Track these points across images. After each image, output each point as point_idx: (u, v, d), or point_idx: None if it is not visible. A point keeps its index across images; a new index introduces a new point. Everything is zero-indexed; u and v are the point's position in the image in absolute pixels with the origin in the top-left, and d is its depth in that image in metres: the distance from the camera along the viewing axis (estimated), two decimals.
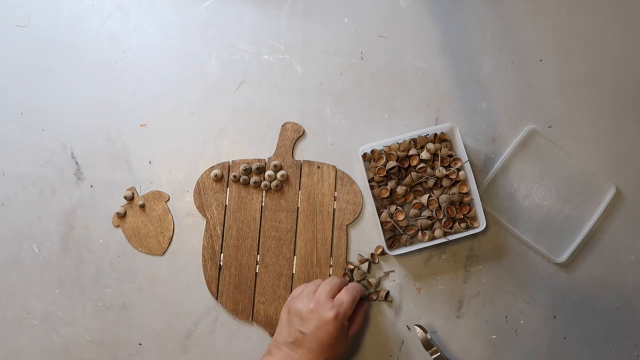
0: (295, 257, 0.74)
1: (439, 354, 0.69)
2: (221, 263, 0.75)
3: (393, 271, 0.74)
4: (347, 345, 0.67)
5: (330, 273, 0.74)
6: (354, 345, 0.72)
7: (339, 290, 0.67)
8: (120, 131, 0.78)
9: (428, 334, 0.70)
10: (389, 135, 0.77)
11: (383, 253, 0.74)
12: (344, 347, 0.66)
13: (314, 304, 0.65)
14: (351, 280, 0.74)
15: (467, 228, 0.72)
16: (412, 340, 0.73)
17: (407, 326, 0.73)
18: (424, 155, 0.73)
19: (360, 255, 0.74)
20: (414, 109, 0.78)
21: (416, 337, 0.72)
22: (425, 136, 0.74)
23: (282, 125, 0.78)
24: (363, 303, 0.72)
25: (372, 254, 0.74)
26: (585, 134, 0.76)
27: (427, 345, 0.69)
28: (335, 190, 0.76)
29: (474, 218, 0.73)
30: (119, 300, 0.75)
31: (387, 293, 0.73)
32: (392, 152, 0.74)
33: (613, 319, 0.73)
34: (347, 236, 0.75)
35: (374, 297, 0.73)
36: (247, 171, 0.76)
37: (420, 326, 0.70)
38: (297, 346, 0.65)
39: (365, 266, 0.73)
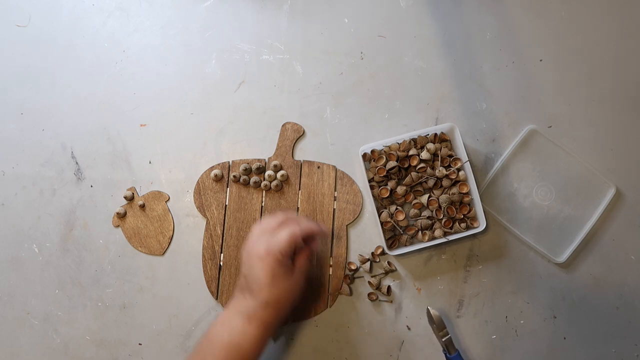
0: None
1: (449, 336, 0.69)
2: (221, 263, 0.75)
3: (394, 270, 0.74)
4: (292, 286, 0.63)
5: (330, 273, 0.74)
6: (354, 342, 0.72)
7: (282, 225, 0.63)
8: (120, 131, 0.78)
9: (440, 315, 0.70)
10: (389, 135, 0.77)
11: (383, 253, 0.73)
12: (287, 287, 0.62)
13: (249, 244, 0.63)
14: (352, 280, 0.74)
15: (467, 228, 0.72)
16: (412, 340, 0.73)
17: (407, 326, 0.73)
18: (424, 155, 0.73)
19: (361, 255, 0.74)
20: (414, 109, 0.78)
21: (416, 336, 0.72)
22: (425, 136, 0.74)
23: (282, 125, 0.78)
24: (313, 241, 0.67)
25: (372, 254, 0.74)
26: (585, 134, 0.76)
27: (440, 325, 0.69)
28: (335, 190, 0.76)
29: (474, 218, 0.73)
30: (119, 300, 0.75)
31: (389, 288, 0.73)
32: (392, 152, 0.74)
33: (613, 319, 0.73)
34: (347, 236, 0.75)
35: (374, 297, 0.73)
36: (247, 171, 0.76)
37: (433, 309, 0.70)
38: (244, 290, 0.63)
39: (367, 266, 0.73)
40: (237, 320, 0.61)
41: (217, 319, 0.64)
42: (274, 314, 0.62)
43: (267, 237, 0.62)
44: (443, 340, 0.69)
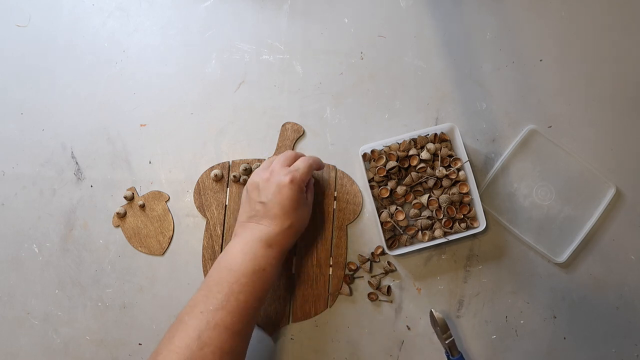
0: (295, 257, 0.74)
1: (452, 338, 0.68)
2: None
3: (394, 270, 0.74)
4: (308, 212, 0.69)
5: (330, 273, 0.74)
6: (354, 342, 0.72)
7: (295, 161, 0.69)
8: (120, 131, 0.78)
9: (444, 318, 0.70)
10: (389, 135, 0.77)
11: (383, 253, 0.73)
12: (305, 212, 0.68)
13: (269, 173, 0.67)
14: (352, 280, 0.73)
15: (467, 228, 0.72)
16: (412, 340, 0.73)
17: (407, 326, 0.73)
18: (424, 155, 0.73)
19: (361, 255, 0.74)
20: (414, 109, 0.78)
21: (416, 336, 0.72)
22: (425, 136, 0.74)
23: (282, 125, 0.78)
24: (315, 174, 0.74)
25: (372, 253, 0.74)
26: (585, 134, 0.76)
27: (444, 328, 0.69)
28: (335, 190, 0.76)
29: (474, 218, 0.73)
30: (119, 300, 0.75)
31: (389, 288, 0.73)
32: (392, 152, 0.74)
33: (613, 319, 0.73)
34: (347, 236, 0.75)
35: (374, 298, 0.73)
36: (247, 171, 0.76)
37: (437, 311, 0.70)
38: (261, 217, 0.65)
39: (367, 266, 0.73)
40: (257, 246, 0.64)
41: (230, 249, 0.65)
42: (292, 238, 0.67)
43: (286, 168, 0.67)
44: (446, 342, 0.68)
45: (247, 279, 0.62)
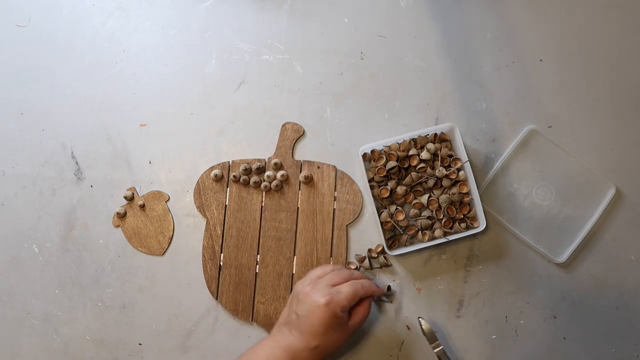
0: (295, 257, 0.74)
1: (441, 347, 0.69)
2: (221, 263, 0.75)
3: (390, 265, 0.74)
4: (344, 337, 0.65)
5: None
6: (354, 342, 0.72)
7: (346, 280, 0.66)
8: (120, 131, 0.78)
9: (430, 327, 0.70)
10: (389, 135, 0.77)
11: (383, 252, 0.73)
12: (340, 338, 0.65)
13: (311, 287, 0.65)
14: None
15: (467, 228, 0.72)
16: (412, 340, 0.73)
17: (407, 326, 0.73)
18: (424, 155, 0.73)
19: (357, 255, 0.74)
20: (414, 109, 0.78)
21: (416, 336, 0.72)
22: (425, 136, 0.74)
23: (282, 125, 0.78)
24: (367, 300, 0.70)
25: (369, 249, 0.74)
26: (585, 134, 0.76)
27: (432, 338, 0.69)
28: (335, 190, 0.76)
29: (474, 218, 0.73)
30: (119, 300, 0.75)
31: (389, 288, 0.73)
32: (392, 152, 0.74)
33: (613, 319, 0.73)
34: (347, 236, 0.75)
35: (375, 297, 0.73)
36: (247, 171, 0.76)
37: (424, 320, 0.70)
38: (293, 328, 0.64)
39: (366, 263, 0.73)
40: (281, 356, 0.63)
41: (258, 348, 0.65)
42: (317, 358, 0.64)
43: (329, 288, 0.64)
44: (435, 352, 0.69)
45: None
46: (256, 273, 0.74)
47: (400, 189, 0.73)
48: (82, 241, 0.76)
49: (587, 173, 0.75)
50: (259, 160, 0.76)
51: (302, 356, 0.63)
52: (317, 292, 0.64)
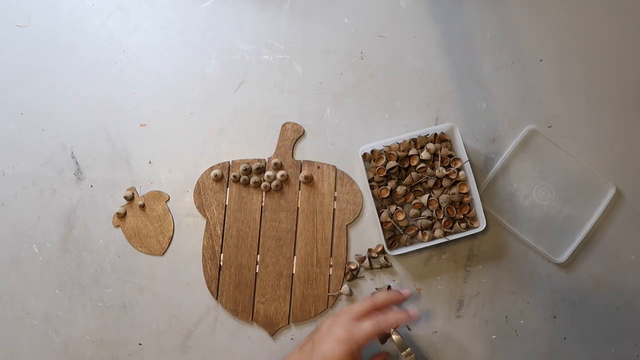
0: (295, 257, 0.74)
1: (413, 355, 0.67)
2: (221, 263, 0.75)
3: (390, 265, 0.74)
4: None
5: (330, 273, 0.74)
6: None
7: (367, 311, 0.65)
8: (120, 131, 0.78)
9: (401, 337, 0.68)
10: (389, 135, 0.77)
11: (382, 252, 0.73)
12: None
13: (334, 320, 0.64)
14: (352, 280, 0.73)
15: (467, 228, 0.72)
16: (412, 340, 0.73)
17: (408, 327, 0.73)
18: (424, 155, 0.73)
19: (357, 254, 0.74)
20: (414, 109, 0.78)
21: (416, 337, 0.72)
22: (425, 136, 0.74)
23: (282, 125, 0.78)
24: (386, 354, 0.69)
25: (369, 249, 0.74)
26: (585, 134, 0.76)
27: (402, 347, 0.67)
28: (335, 190, 0.76)
29: (474, 218, 0.73)
30: (119, 300, 0.75)
31: (389, 288, 0.73)
32: (392, 152, 0.74)
33: (613, 319, 0.73)
34: (347, 236, 0.75)
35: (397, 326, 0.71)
36: (247, 171, 0.76)
37: (395, 330, 0.68)
38: (308, 354, 0.64)
39: (367, 264, 0.73)
40: None
41: None
42: None
43: (351, 322, 0.63)
44: None
45: None
46: (256, 273, 0.74)
47: (400, 189, 0.73)
48: (82, 241, 0.76)
49: (587, 173, 0.75)
50: (259, 160, 0.76)
51: None
52: (338, 326, 0.63)
